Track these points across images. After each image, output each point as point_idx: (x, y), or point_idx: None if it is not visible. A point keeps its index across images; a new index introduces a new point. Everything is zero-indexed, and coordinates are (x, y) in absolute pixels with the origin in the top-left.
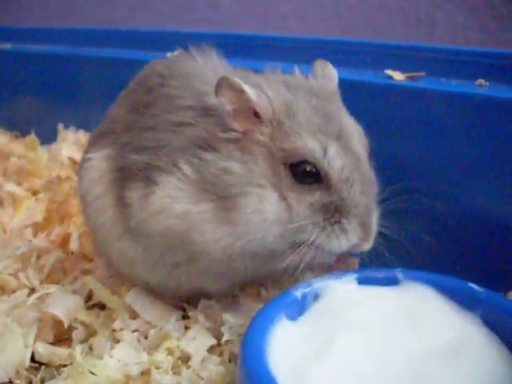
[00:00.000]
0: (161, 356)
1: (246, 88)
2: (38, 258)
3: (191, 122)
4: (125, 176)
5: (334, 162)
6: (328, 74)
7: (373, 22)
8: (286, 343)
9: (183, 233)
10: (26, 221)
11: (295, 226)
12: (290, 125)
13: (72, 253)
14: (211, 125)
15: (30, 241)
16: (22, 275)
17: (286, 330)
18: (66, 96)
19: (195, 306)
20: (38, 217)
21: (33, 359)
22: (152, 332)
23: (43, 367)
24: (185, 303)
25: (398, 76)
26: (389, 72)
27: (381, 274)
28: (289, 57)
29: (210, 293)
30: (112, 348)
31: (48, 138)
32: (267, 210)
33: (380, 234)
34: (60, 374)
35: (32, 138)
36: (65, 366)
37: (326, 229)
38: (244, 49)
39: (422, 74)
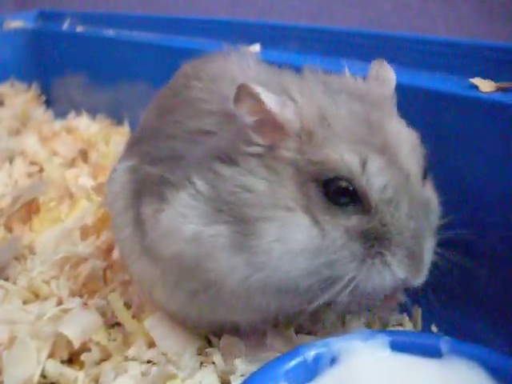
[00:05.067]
0: None
1: (267, 97)
2: (78, 265)
3: (212, 129)
4: (141, 190)
5: (375, 178)
6: (382, 77)
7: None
8: None
9: (194, 258)
10: (78, 222)
11: (328, 258)
12: (323, 134)
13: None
14: (233, 134)
15: (75, 245)
16: (53, 283)
17: None
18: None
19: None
20: (89, 219)
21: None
22: (155, 370)
23: None
24: (210, 333)
25: (487, 86)
26: (475, 81)
27: (421, 340)
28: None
29: (239, 325)
30: (114, 379)
31: None
32: (294, 238)
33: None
34: None
35: (125, 128)
36: None
37: (365, 262)
38: (307, 42)
39: None
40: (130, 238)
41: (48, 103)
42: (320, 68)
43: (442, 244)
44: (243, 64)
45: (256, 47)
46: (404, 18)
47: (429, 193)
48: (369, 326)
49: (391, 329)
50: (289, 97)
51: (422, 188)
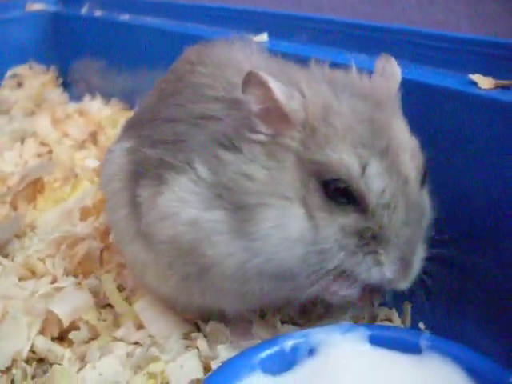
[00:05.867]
0: (138, 380)
1: (275, 86)
2: (74, 245)
3: (216, 115)
4: (139, 172)
5: (374, 182)
6: (388, 72)
7: None
8: None
9: (192, 243)
10: (78, 203)
11: (321, 247)
12: (325, 132)
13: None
14: (238, 121)
15: (75, 226)
16: (49, 262)
17: None
18: None
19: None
20: (89, 201)
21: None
22: (138, 351)
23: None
24: (199, 319)
25: (486, 83)
26: (475, 77)
27: (401, 335)
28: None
29: (227, 312)
30: (100, 358)
31: None
32: (290, 227)
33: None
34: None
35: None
36: (59, 365)
37: (356, 256)
38: (315, 33)
39: None
40: (125, 220)
41: (65, 86)
42: (327, 61)
43: (433, 245)
44: (247, 52)
45: (263, 36)
46: (428, 13)
47: (425, 200)
48: (356, 319)
49: (379, 323)
50: (296, 89)
51: (419, 195)
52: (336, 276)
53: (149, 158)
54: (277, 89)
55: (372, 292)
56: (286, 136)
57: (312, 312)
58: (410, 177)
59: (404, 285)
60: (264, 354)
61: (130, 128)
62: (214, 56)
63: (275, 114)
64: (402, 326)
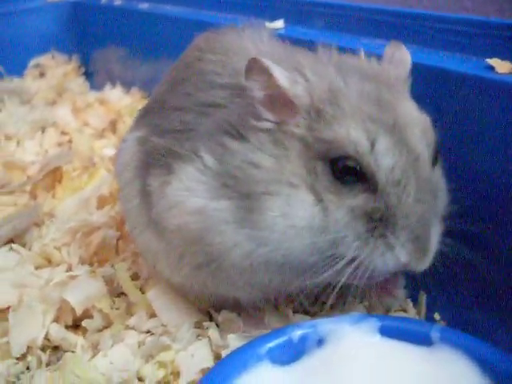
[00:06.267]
0: (149, 369)
1: (278, 72)
2: (90, 234)
3: (222, 102)
4: (149, 161)
5: (384, 159)
6: (397, 59)
7: None
8: None
9: (198, 232)
10: (95, 191)
11: (331, 237)
12: (332, 113)
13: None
14: (243, 108)
15: (91, 214)
16: (64, 250)
17: (269, 375)
18: None
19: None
20: (106, 189)
21: None
22: (149, 340)
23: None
24: (212, 308)
25: (504, 67)
26: (492, 61)
27: (412, 326)
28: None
29: (240, 301)
30: (112, 346)
31: None
32: (297, 214)
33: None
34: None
35: None
36: (73, 352)
37: (369, 243)
38: (331, 19)
39: None
40: (137, 210)
41: (87, 75)
42: (336, 46)
43: (448, 234)
44: (257, 39)
45: (279, 23)
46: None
47: (437, 178)
48: (370, 309)
49: (394, 314)
50: (300, 74)
51: (431, 172)
52: (349, 264)
53: (158, 148)
54: (279, 74)
55: (389, 281)
56: (292, 122)
57: (325, 302)
58: (421, 154)
59: (421, 266)
60: (272, 343)
61: (142, 117)
62: (223, 43)
63: (279, 101)
64: (417, 316)
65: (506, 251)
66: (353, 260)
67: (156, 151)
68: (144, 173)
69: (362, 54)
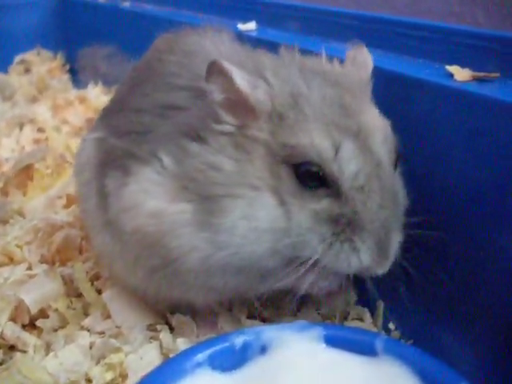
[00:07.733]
0: (97, 370)
1: (238, 76)
2: (52, 232)
3: (181, 105)
4: (106, 162)
5: (348, 165)
6: (360, 61)
7: None
8: None
9: (155, 235)
10: (63, 190)
11: (294, 240)
12: (295, 118)
13: None
14: (203, 111)
15: (57, 213)
16: (26, 249)
17: (208, 382)
18: None
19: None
20: (73, 188)
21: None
22: (99, 341)
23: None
24: (167, 311)
25: (462, 75)
26: (452, 68)
27: (357, 337)
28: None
29: (194, 305)
30: (63, 347)
31: None
32: (259, 217)
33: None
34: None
35: None
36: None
37: (333, 246)
38: (303, 22)
39: (496, 75)
40: (94, 211)
41: (72, 72)
42: (297, 48)
43: (408, 241)
44: (218, 41)
45: (251, 25)
46: (440, 1)
47: (398, 183)
48: (326, 317)
49: (350, 322)
50: (261, 77)
51: (393, 178)
52: (311, 266)
53: (116, 149)
54: (240, 78)
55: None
56: (253, 127)
57: (282, 308)
58: (383, 159)
59: (382, 270)
60: (213, 349)
61: (102, 118)
62: (183, 44)
63: (240, 105)
64: (373, 326)
65: (461, 261)
66: (316, 263)
67: (114, 152)
68: (101, 174)
69: (324, 56)
